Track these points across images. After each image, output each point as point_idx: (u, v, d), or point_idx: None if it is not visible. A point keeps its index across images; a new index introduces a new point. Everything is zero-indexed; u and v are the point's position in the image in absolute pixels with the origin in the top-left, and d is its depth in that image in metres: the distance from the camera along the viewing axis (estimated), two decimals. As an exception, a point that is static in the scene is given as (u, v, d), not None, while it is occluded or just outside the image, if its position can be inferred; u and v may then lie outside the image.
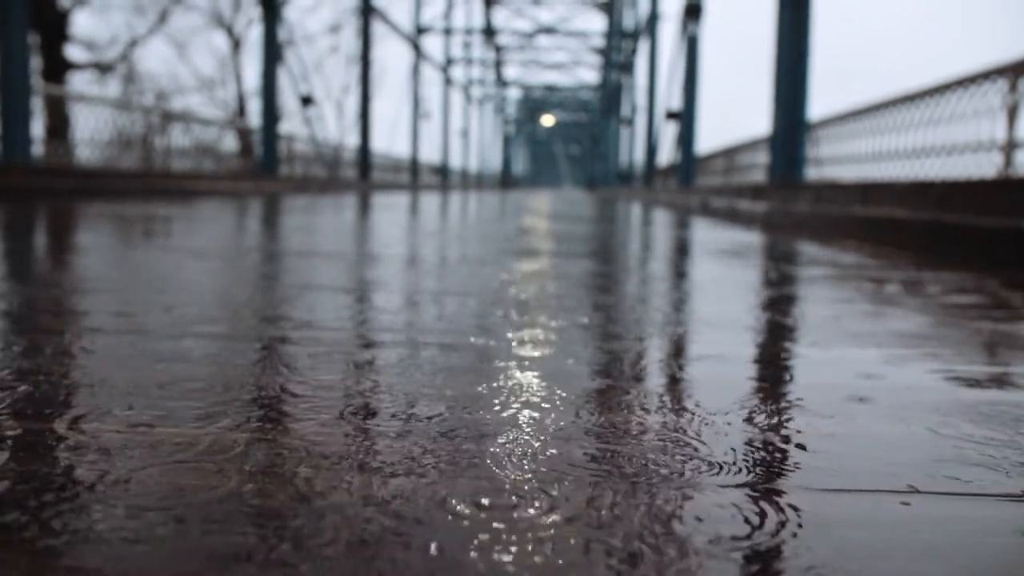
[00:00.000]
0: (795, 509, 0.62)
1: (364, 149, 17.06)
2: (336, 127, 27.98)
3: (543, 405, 0.90)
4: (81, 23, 52.98)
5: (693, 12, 10.91)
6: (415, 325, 1.40)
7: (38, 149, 7.67)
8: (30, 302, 1.54)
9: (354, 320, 1.44)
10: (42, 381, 0.93)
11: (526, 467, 0.69)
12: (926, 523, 0.61)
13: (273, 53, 12.45)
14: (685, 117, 11.37)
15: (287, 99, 13.91)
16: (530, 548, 0.54)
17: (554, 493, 0.63)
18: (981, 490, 0.68)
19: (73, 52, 18.19)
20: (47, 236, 3.44)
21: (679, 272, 2.62)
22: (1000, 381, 1.10)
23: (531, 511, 0.60)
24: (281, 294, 1.75)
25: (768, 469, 0.72)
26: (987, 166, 3.86)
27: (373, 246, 3.20)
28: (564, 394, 0.94)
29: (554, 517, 0.59)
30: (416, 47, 23.43)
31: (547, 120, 55.55)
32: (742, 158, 9.11)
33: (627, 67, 23.06)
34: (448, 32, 27.73)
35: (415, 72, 23.60)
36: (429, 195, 14.66)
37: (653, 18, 16.41)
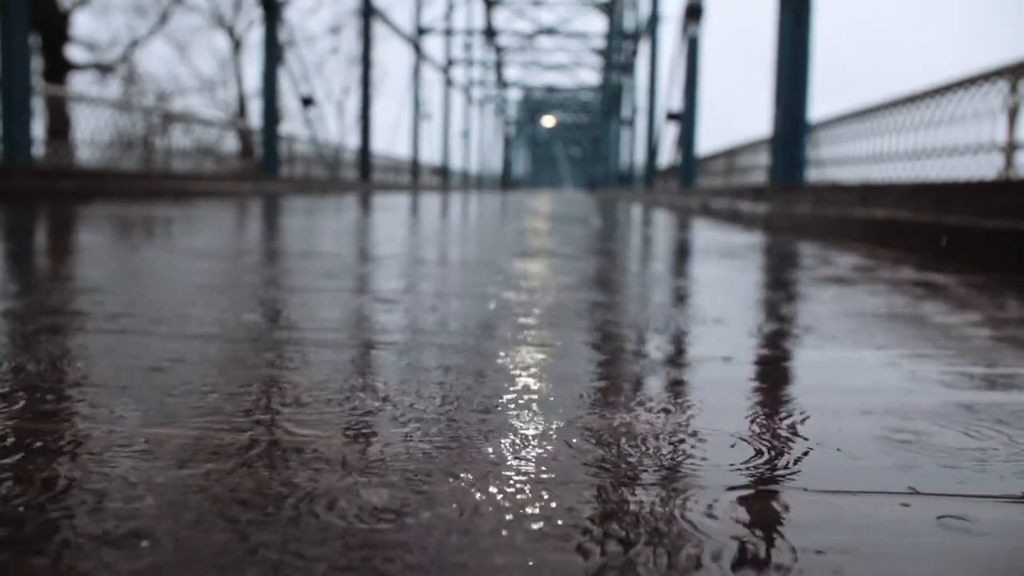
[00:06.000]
0: (794, 510, 0.63)
1: (365, 150, 17.06)
2: (337, 128, 28.02)
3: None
4: (82, 24, 52.98)
5: (694, 13, 10.91)
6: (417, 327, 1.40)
7: (39, 150, 7.67)
8: (32, 302, 1.54)
9: (357, 324, 1.45)
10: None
11: (527, 468, 0.69)
12: (926, 525, 0.61)
13: (274, 54, 12.45)
14: (686, 118, 11.37)
15: (288, 100, 13.93)
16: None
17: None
18: (981, 492, 0.68)
19: (74, 53, 18.22)
20: (49, 238, 3.45)
21: (679, 273, 2.62)
22: (1002, 384, 1.10)
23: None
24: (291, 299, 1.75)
25: (768, 470, 0.72)
26: (987, 168, 3.86)
27: (377, 249, 3.20)
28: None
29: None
30: (417, 48, 23.43)
31: (548, 121, 55.54)
32: (743, 159, 9.11)
33: (628, 68, 23.06)
34: (449, 33, 27.73)
35: (416, 73, 23.61)
36: (430, 196, 14.66)
37: (654, 19, 16.41)
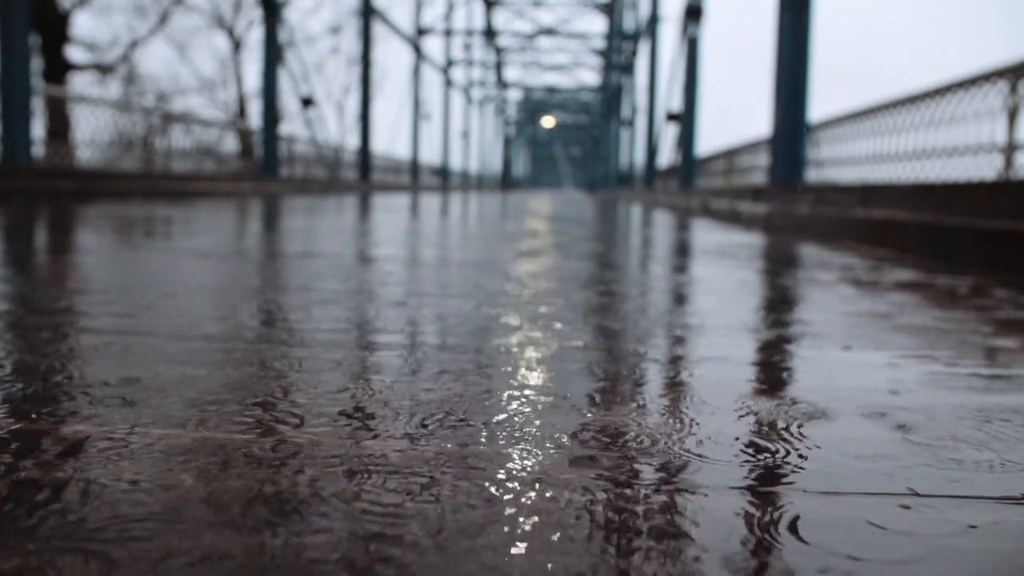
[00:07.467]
0: (793, 510, 0.63)
1: (365, 150, 17.06)
2: (337, 128, 28.02)
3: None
4: (82, 24, 52.96)
5: (694, 14, 10.91)
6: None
7: (39, 150, 7.67)
8: (33, 302, 1.54)
9: (359, 324, 1.45)
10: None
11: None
12: (926, 526, 0.61)
13: (274, 54, 12.45)
14: (686, 119, 11.37)
15: (288, 100, 13.94)
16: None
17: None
18: (982, 492, 0.68)
19: (74, 53, 18.20)
20: (49, 238, 3.45)
21: (679, 274, 2.63)
22: (1003, 384, 1.10)
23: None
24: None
25: (766, 470, 0.72)
26: (987, 168, 3.86)
27: (379, 249, 3.21)
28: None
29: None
30: (417, 48, 23.43)
31: (548, 122, 55.51)
32: (743, 160, 9.10)
33: (628, 69, 23.06)
34: (449, 33, 27.73)
35: (416, 73, 23.62)
36: (430, 197, 14.66)
37: (654, 20, 16.41)
